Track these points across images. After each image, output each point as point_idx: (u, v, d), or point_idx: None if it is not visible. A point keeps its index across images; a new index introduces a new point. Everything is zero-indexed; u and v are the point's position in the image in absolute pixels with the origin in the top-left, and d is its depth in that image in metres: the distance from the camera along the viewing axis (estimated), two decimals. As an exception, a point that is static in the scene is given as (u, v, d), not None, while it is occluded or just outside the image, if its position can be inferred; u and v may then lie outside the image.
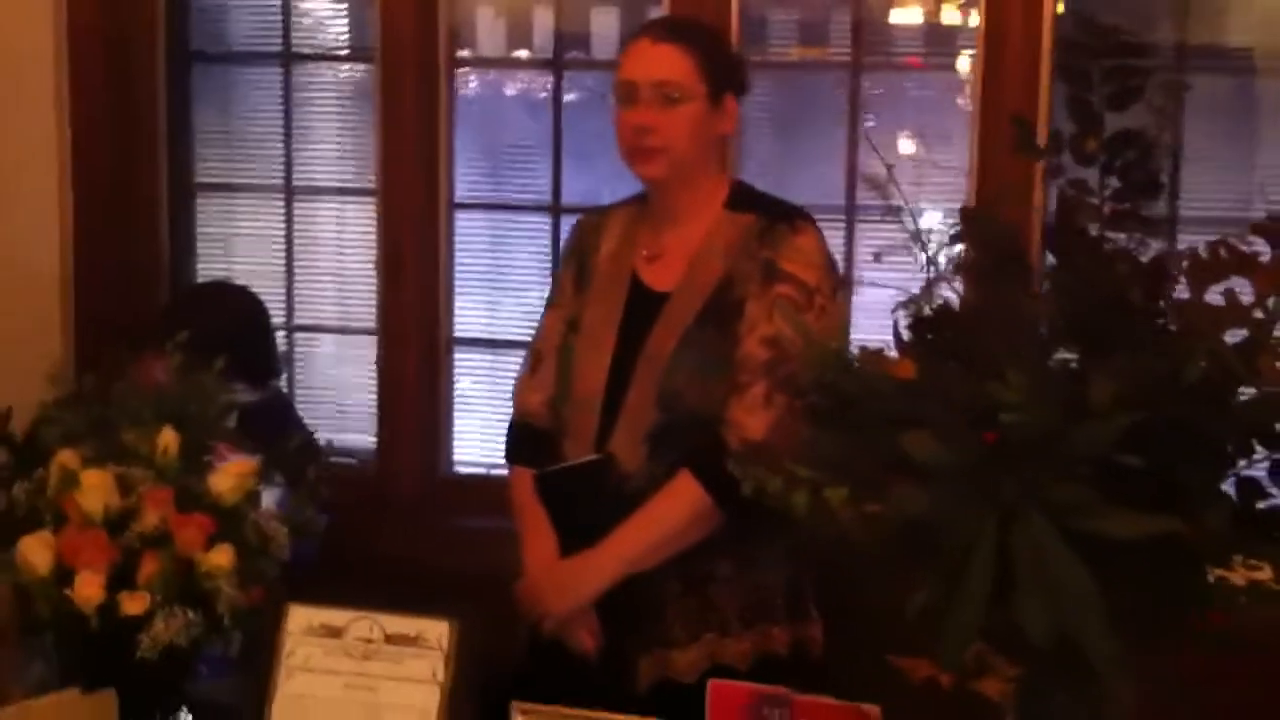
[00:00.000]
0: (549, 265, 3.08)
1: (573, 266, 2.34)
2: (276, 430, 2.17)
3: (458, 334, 3.17)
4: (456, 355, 3.17)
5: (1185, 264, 1.39)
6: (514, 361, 3.10)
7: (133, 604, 1.68)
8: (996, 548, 1.32)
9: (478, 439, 3.19)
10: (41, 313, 2.98)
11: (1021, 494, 1.32)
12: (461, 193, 3.15)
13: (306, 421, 2.89)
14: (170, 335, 2.00)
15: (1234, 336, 1.37)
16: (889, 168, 1.51)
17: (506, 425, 2.41)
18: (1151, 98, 1.40)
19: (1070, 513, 1.31)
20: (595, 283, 2.29)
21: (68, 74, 3.05)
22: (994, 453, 1.35)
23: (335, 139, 3.25)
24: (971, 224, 1.48)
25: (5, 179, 3.00)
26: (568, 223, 3.05)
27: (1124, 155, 1.40)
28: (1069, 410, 1.33)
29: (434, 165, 3.10)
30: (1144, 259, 1.42)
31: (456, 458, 3.18)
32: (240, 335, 2.59)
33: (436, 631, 1.63)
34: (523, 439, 2.34)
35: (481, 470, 3.16)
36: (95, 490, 1.73)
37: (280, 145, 3.23)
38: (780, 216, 2.19)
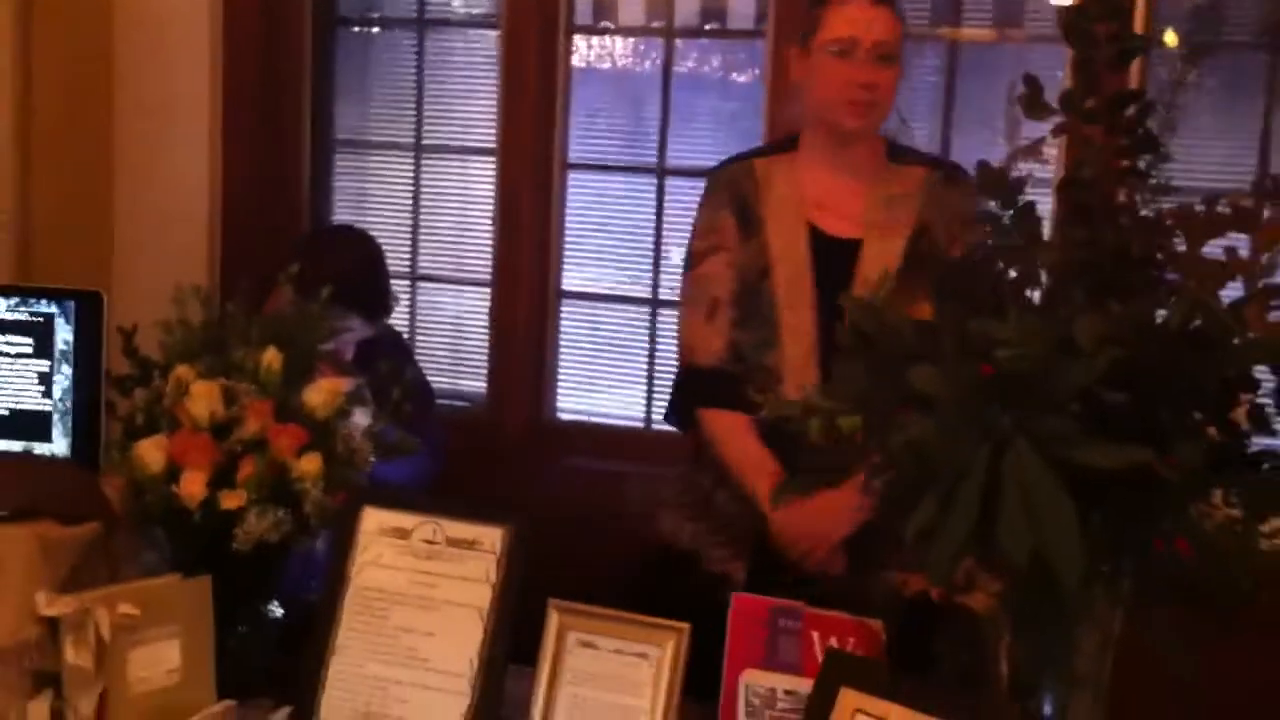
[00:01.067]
0: (652, 223, 3.24)
1: (732, 213, 2.38)
2: (391, 358, 2.36)
3: (565, 287, 3.34)
4: (563, 307, 3.35)
5: (1181, 219, 1.48)
6: (615, 314, 3.28)
7: (230, 500, 1.89)
8: (987, 473, 1.43)
9: (580, 388, 3.36)
10: (193, 252, 3.26)
11: (1012, 424, 1.43)
12: (574, 154, 3.32)
13: (421, 362, 3.09)
14: (299, 269, 2.21)
15: (1235, 290, 1.46)
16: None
17: (679, 372, 2.46)
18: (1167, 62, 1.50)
19: (1055, 442, 1.41)
20: (770, 229, 2.34)
21: (222, 37, 3.31)
22: (989, 386, 1.46)
23: (462, 101, 3.45)
24: (986, 176, 1.59)
25: (164, 132, 3.28)
26: (672, 184, 3.22)
27: (1124, 112, 1.49)
28: (1059, 348, 1.43)
29: (550, 127, 3.28)
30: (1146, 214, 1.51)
31: (560, 404, 3.36)
32: (358, 273, 2.79)
33: (492, 537, 1.80)
34: (715, 382, 2.35)
35: (583, 417, 3.34)
36: (202, 399, 1.94)
37: (412, 106, 3.45)
38: (950, 168, 2.34)
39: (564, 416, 3.36)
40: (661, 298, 3.27)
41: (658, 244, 3.27)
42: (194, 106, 3.29)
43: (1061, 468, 1.41)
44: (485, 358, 3.37)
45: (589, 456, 3.25)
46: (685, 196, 3.20)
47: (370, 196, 3.51)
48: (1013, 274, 1.56)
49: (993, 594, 1.51)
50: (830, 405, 1.61)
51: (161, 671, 1.80)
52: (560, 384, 3.36)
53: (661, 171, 3.26)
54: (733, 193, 2.40)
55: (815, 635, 1.68)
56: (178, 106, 3.30)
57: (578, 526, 2.74)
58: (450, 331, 3.45)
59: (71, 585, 1.79)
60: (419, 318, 3.47)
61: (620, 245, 3.34)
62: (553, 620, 1.68)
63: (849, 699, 1.48)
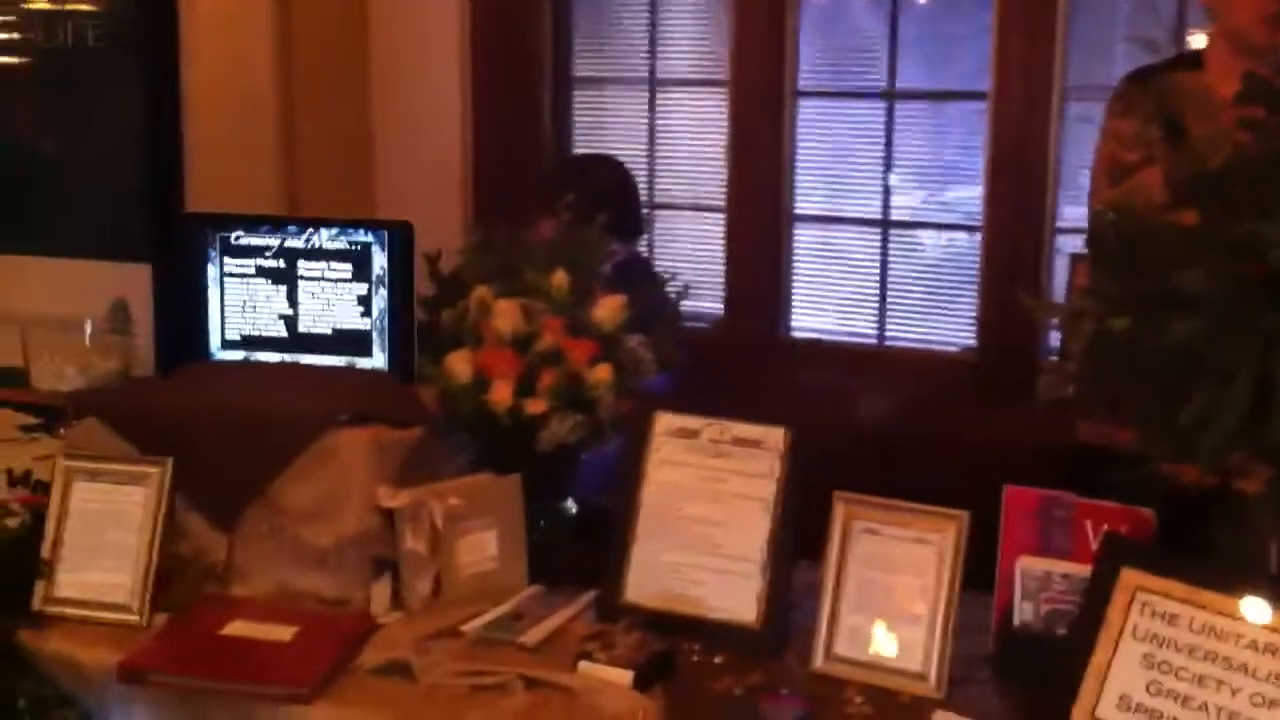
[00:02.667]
0: (881, 148, 3.35)
1: (1159, 126, 2.42)
2: (641, 282, 2.54)
3: (797, 211, 3.48)
4: (796, 230, 3.49)
5: None
6: (847, 236, 3.41)
7: (535, 407, 2.09)
8: (1258, 367, 1.53)
9: (812, 307, 3.51)
10: (447, 185, 3.50)
11: (1282, 321, 1.52)
12: (804, 82, 3.44)
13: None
14: (556, 197, 2.40)
15: None
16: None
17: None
18: None
19: (1324, 336, 1.50)
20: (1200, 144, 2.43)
21: (469, -12, 3.53)
22: (1258, 285, 1.55)
23: (692, 36, 3.59)
24: (1251, 85, 1.67)
25: (417, 73, 3.52)
26: (902, 109, 3.32)
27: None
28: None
29: (780, 57, 3.41)
30: None
31: (794, 323, 3.52)
32: (613, 197, 2.97)
33: (774, 437, 1.96)
34: None
35: (815, 335, 3.49)
36: (506, 317, 2.14)
37: (645, 42, 3.61)
38: None
39: (798, 335, 3.51)
40: (892, 219, 3.38)
41: (888, 165, 3.38)
42: (445, 50, 3.52)
43: (1329, 361, 1.50)
44: (721, 280, 3.53)
45: (822, 372, 3.40)
46: (911, 120, 3.32)
47: (608, 130, 3.70)
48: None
49: (1264, 481, 1.61)
50: (1099, 307, 1.72)
51: (483, 558, 2.03)
52: (794, 303, 3.51)
53: (891, 97, 3.36)
54: (1158, 104, 2.43)
55: (1088, 524, 1.80)
56: (429, 50, 3.53)
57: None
58: (687, 256, 3.61)
59: (400, 483, 2.02)
60: (657, 244, 3.64)
61: (851, 169, 3.45)
62: (839, 510, 1.84)
63: (1130, 578, 1.61)
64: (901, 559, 1.79)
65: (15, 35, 3.06)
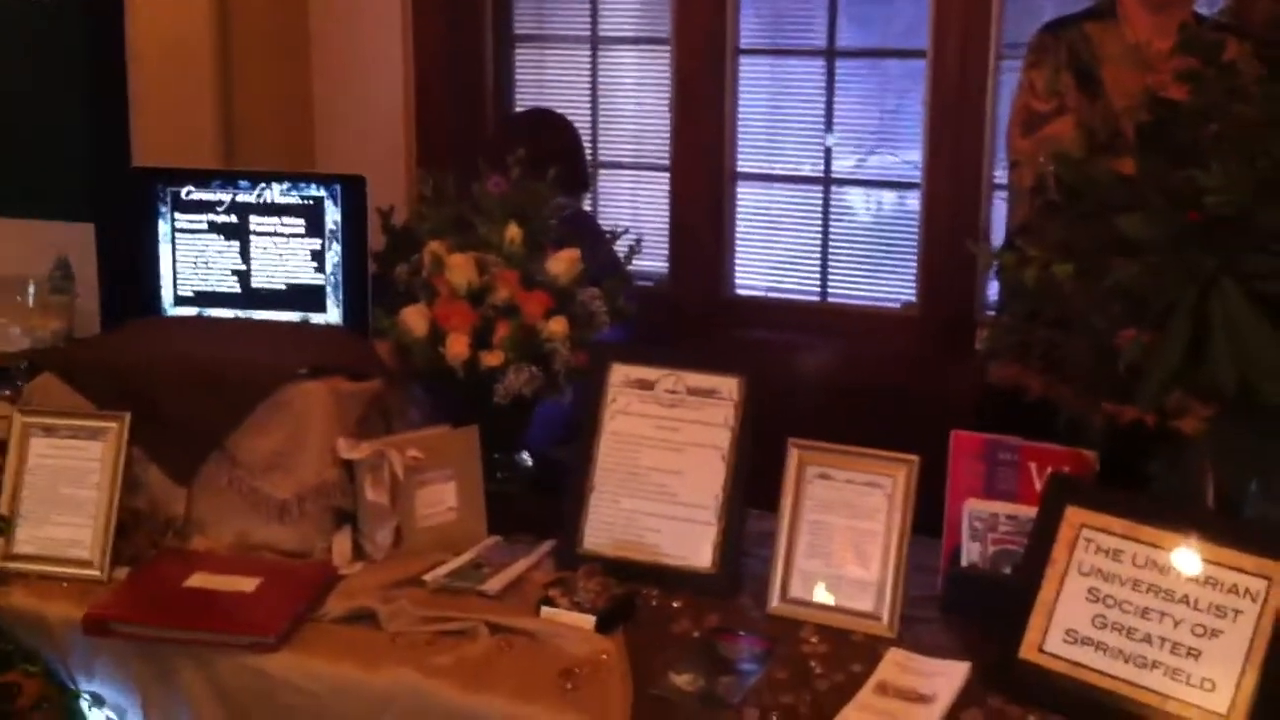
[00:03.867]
0: (822, 106, 3.39)
1: (1072, 75, 2.48)
2: (588, 237, 2.56)
3: (740, 169, 3.51)
4: (739, 188, 3.53)
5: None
6: (789, 195, 3.45)
7: (490, 359, 2.11)
8: (1195, 310, 1.59)
9: (755, 264, 3.55)
10: (392, 140, 3.49)
11: (1218, 265, 1.58)
12: (745, 40, 3.47)
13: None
14: (504, 152, 2.41)
15: None
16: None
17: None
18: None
19: (1260, 279, 1.57)
20: (1112, 92, 2.43)
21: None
22: (1196, 230, 1.61)
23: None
24: (1187, 36, 1.73)
25: (359, 29, 3.50)
26: (844, 66, 3.35)
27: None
28: (1262, 192, 1.58)
29: (722, 14, 3.43)
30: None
31: (738, 281, 3.56)
32: (561, 153, 2.98)
33: (729, 385, 2.00)
34: None
35: (759, 292, 3.53)
36: (460, 270, 2.16)
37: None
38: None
39: (742, 292, 3.55)
40: (833, 176, 3.43)
41: (829, 124, 3.42)
42: (386, 3, 3.51)
43: (1265, 302, 1.57)
44: (665, 239, 3.56)
45: (763, 328, 3.45)
46: (851, 78, 3.37)
47: (549, 87, 3.70)
48: (1213, 127, 1.70)
49: (1202, 419, 1.67)
50: (1042, 255, 1.78)
51: (442, 509, 2.05)
52: (738, 261, 3.54)
53: (831, 55, 3.39)
54: (1071, 54, 2.49)
55: (1033, 466, 1.86)
56: (370, 4, 3.51)
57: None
58: (631, 214, 3.64)
59: (358, 435, 2.03)
60: (601, 202, 3.67)
61: (792, 127, 3.49)
62: (793, 456, 1.88)
63: (1074, 515, 1.67)
64: (854, 503, 1.84)
65: (-47, -10, 3.01)
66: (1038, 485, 1.84)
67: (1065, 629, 1.64)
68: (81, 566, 1.92)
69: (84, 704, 1.85)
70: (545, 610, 1.78)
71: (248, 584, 1.84)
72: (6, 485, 1.97)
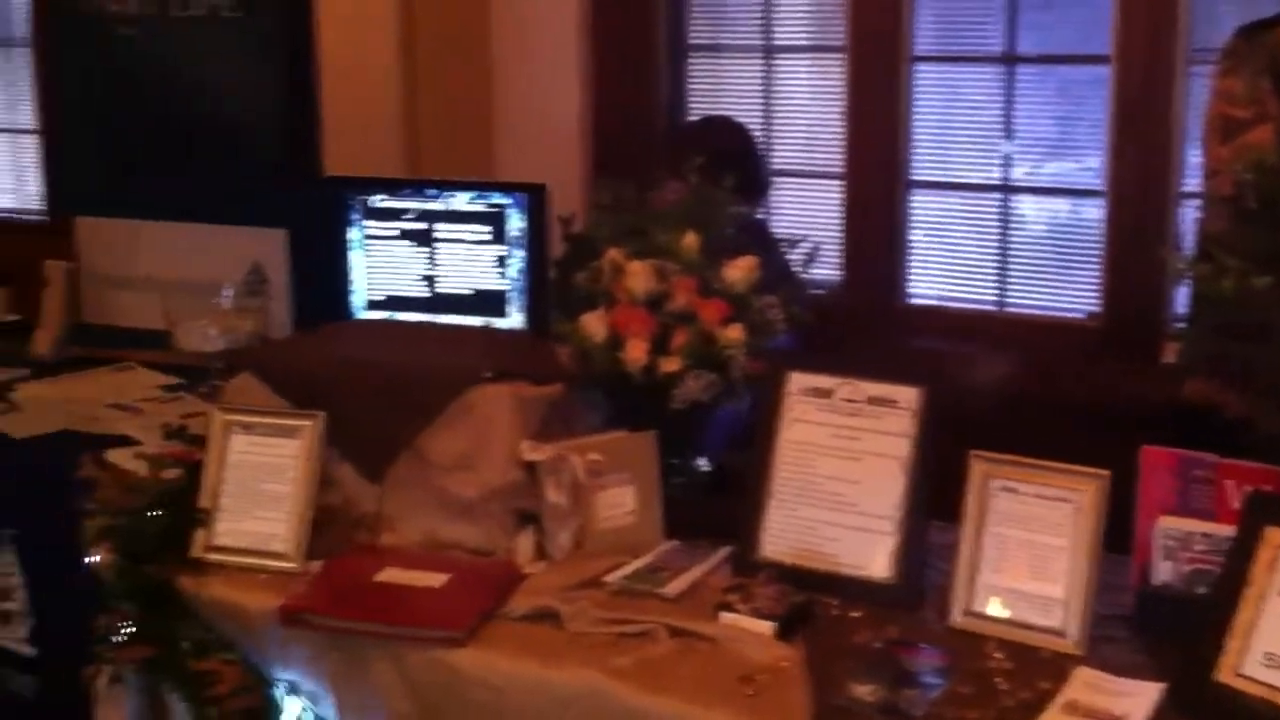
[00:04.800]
0: (1001, 114, 3.33)
1: (1270, 82, 2.39)
2: (761, 243, 2.56)
3: (915, 177, 3.48)
4: (913, 196, 3.49)
5: None
6: (963, 202, 3.40)
7: (668, 365, 2.13)
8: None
9: (929, 273, 3.51)
10: (568, 149, 3.55)
11: None
12: (921, 47, 3.43)
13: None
14: (680, 160, 2.42)
15: None
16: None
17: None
18: None
19: None
20: None
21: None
22: None
23: (809, 2, 3.60)
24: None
25: (537, 41, 3.57)
26: (1023, 73, 3.30)
27: None
28: None
29: (896, 21, 3.40)
30: None
31: (911, 290, 3.52)
32: (738, 159, 2.99)
33: (908, 396, 1.98)
34: None
35: (933, 301, 3.49)
36: (639, 277, 2.18)
37: (761, 7, 3.62)
38: None
39: (916, 301, 3.51)
40: (1012, 184, 3.37)
41: (1007, 131, 3.36)
42: (563, 17, 3.57)
43: None
44: (837, 247, 3.54)
45: (942, 338, 3.40)
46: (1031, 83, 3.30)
47: (723, 96, 3.72)
48: None
49: None
50: (1240, 265, 1.72)
51: (621, 512, 2.07)
52: (911, 269, 3.51)
53: (1010, 60, 3.34)
54: (1271, 60, 2.40)
55: (1229, 484, 1.80)
56: (549, 17, 3.58)
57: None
58: (804, 222, 3.63)
59: (539, 438, 2.07)
60: (773, 210, 3.66)
61: (967, 134, 3.44)
62: (976, 468, 1.86)
63: (1274, 536, 1.61)
64: (1040, 517, 1.80)
65: (154, 6, 3.15)
66: (1235, 504, 1.78)
67: (1264, 652, 1.58)
68: (278, 559, 2.00)
69: (279, 692, 1.92)
70: (724, 615, 1.79)
71: (436, 580, 1.89)
72: (207, 480, 2.06)
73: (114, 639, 1.99)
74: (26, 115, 4.42)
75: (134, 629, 1.99)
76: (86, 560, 2.07)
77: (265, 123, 3.07)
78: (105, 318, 3.36)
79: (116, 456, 2.33)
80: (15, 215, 4.54)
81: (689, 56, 3.74)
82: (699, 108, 3.74)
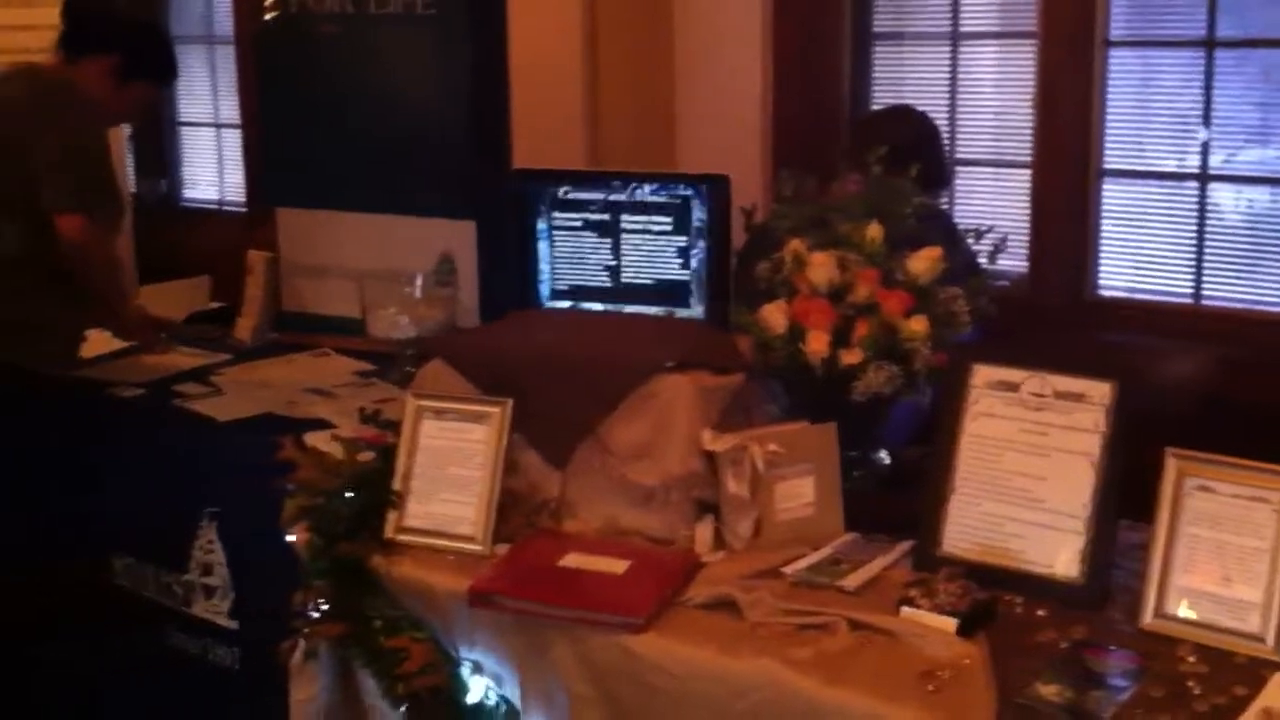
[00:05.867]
0: (1198, 100, 3.21)
1: None
2: (945, 234, 2.52)
3: (1106, 166, 3.38)
4: (1105, 185, 3.39)
5: None
6: (1157, 192, 3.30)
7: (850, 357, 2.12)
8: None
9: (1121, 264, 3.40)
10: (749, 139, 3.55)
11: None
12: (1116, 31, 3.33)
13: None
14: (862, 150, 2.40)
15: None
16: None
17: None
18: None
19: None
20: None
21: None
22: None
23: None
24: None
25: (720, 30, 3.59)
26: (1223, 57, 3.17)
27: None
28: None
29: (1090, 5, 3.31)
30: None
31: (1102, 281, 3.42)
32: (920, 149, 2.95)
33: (1099, 390, 1.93)
34: None
35: (1125, 294, 3.39)
36: (821, 268, 2.17)
37: (949, -1, 3.57)
38: None
39: (1106, 293, 3.42)
40: (1211, 173, 3.25)
41: (1205, 118, 3.24)
42: (747, 6, 3.57)
43: None
44: (1024, 237, 3.47)
45: (1129, 332, 3.30)
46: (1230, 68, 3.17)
47: (907, 84, 3.67)
48: None
49: None
50: None
51: (800, 503, 2.07)
52: (1102, 261, 3.41)
53: (1210, 44, 3.22)
54: None
55: None
56: (732, 6, 3.58)
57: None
58: (989, 212, 3.56)
59: (720, 428, 2.08)
60: (958, 200, 3.61)
61: (1162, 121, 3.32)
62: (1171, 466, 1.80)
63: None
64: (1239, 518, 1.74)
65: (353, 4, 3.26)
66: None
67: None
68: (465, 541, 2.06)
69: (465, 670, 1.98)
70: (905, 610, 1.77)
71: (618, 566, 1.92)
72: (400, 463, 2.13)
73: (310, 615, 2.08)
74: (230, 110, 4.62)
75: (328, 606, 2.07)
76: (285, 538, 2.16)
77: (457, 117, 3.14)
78: (303, 305, 3.50)
79: (314, 439, 2.42)
80: (219, 207, 4.75)
81: (873, 45, 3.71)
82: (882, 97, 3.70)
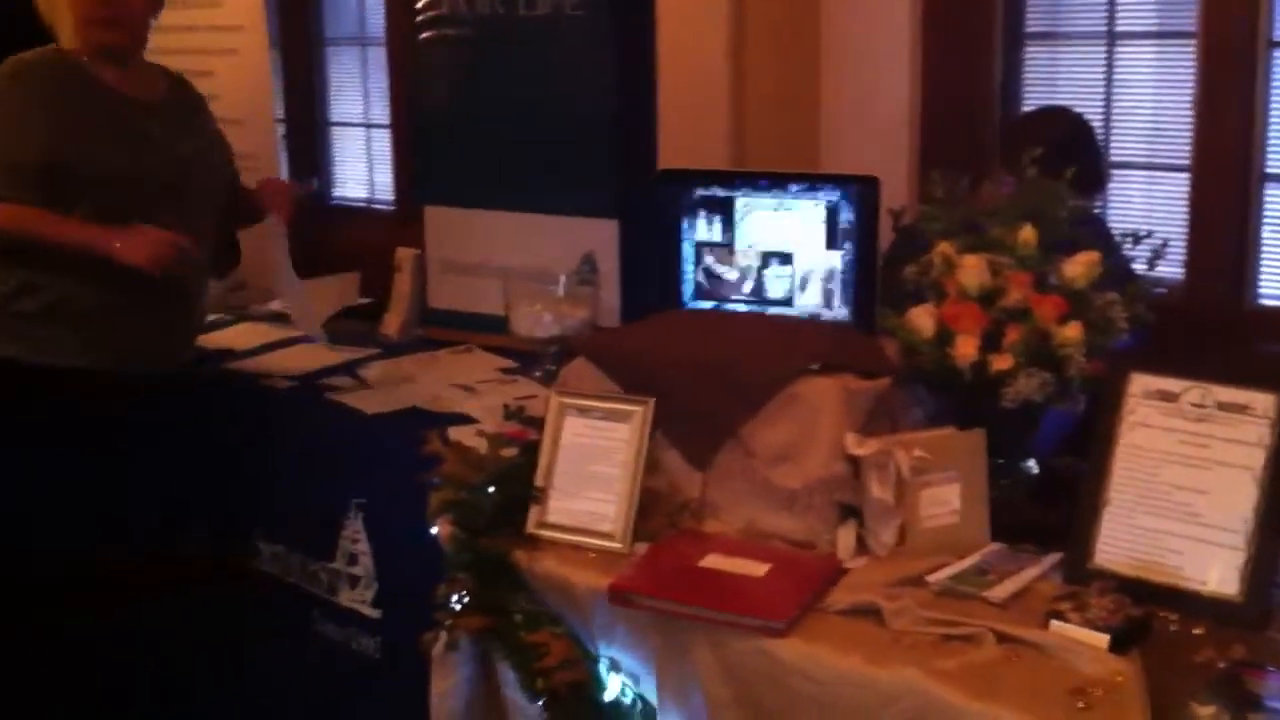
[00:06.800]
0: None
1: None
2: (1099, 238, 2.45)
3: (1269, 170, 3.25)
4: (1267, 191, 3.26)
5: None
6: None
7: (1000, 363, 2.07)
8: None
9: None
10: (896, 140, 3.50)
11: None
12: (1282, 31, 3.20)
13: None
14: (1015, 151, 2.35)
15: None
16: None
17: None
18: None
19: None
20: None
21: (922, -66, 3.51)
22: None
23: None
24: None
25: (868, 30, 3.54)
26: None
27: None
28: None
29: (1255, 4, 3.18)
30: None
31: (1262, 290, 3.29)
32: (1075, 150, 2.87)
33: (1265, 402, 1.86)
34: None
35: (1289, 303, 3.26)
36: (971, 271, 2.13)
37: (1105, -4, 3.47)
38: None
39: (1267, 303, 3.29)
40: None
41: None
42: (895, 3, 3.51)
43: None
44: (1181, 243, 3.35)
45: (1292, 343, 3.18)
46: None
47: (1060, 86, 3.57)
48: None
49: None
50: None
51: (945, 511, 2.04)
52: (1264, 269, 3.28)
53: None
54: None
55: None
56: (880, 6, 3.53)
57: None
58: (1143, 217, 3.45)
59: (864, 432, 2.05)
60: (1111, 203, 3.50)
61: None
62: (1340, 481, 1.73)
63: None
64: None
65: (502, 6, 3.30)
66: None
67: None
68: (605, 539, 2.06)
69: (603, 667, 1.99)
70: (1054, 624, 1.73)
71: (758, 569, 1.91)
72: (543, 460, 2.15)
73: (452, 607, 2.10)
74: (380, 111, 4.71)
75: (470, 598, 2.09)
76: (429, 531, 2.19)
77: (603, 116, 3.16)
78: (448, 302, 3.54)
79: (459, 434, 2.46)
80: (369, 205, 4.84)
81: (1025, 44, 3.62)
82: (1035, 98, 3.61)
